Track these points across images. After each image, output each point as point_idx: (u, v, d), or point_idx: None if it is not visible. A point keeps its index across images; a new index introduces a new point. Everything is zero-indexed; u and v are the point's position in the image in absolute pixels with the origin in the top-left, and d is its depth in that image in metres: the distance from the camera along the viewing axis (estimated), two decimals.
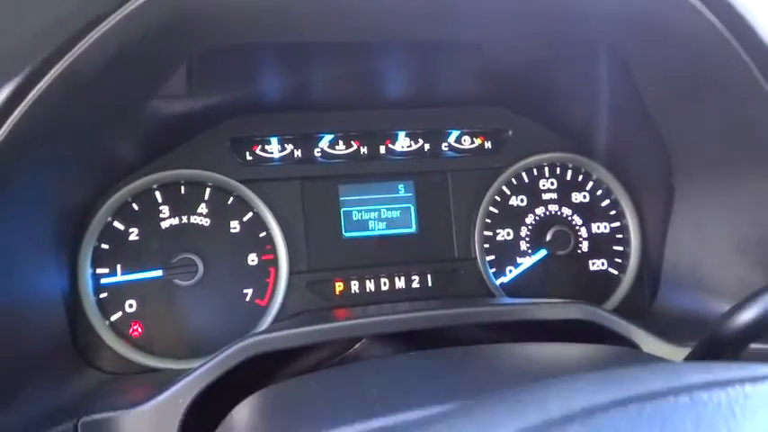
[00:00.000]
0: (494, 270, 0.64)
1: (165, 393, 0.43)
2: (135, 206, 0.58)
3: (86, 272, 0.56)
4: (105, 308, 0.57)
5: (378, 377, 0.39)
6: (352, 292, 0.61)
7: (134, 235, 0.58)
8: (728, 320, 0.41)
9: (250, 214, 0.60)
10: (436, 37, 0.50)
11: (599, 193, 0.66)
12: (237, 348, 0.44)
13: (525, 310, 0.48)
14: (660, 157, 0.59)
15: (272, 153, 0.61)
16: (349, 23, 0.45)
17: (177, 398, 0.42)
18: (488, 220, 0.64)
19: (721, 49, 0.45)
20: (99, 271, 0.57)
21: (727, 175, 0.53)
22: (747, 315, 0.41)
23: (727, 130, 0.50)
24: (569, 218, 0.66)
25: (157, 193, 0.58)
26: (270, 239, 0.60)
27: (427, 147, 0.64)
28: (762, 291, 0.41)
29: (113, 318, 0.57)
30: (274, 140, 0.61)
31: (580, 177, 0.66)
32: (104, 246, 0.57)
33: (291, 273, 0.60)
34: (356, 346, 0.52)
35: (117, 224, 0.57)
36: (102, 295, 0.57)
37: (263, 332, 0.45)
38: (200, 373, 0.43)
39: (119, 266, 0.57)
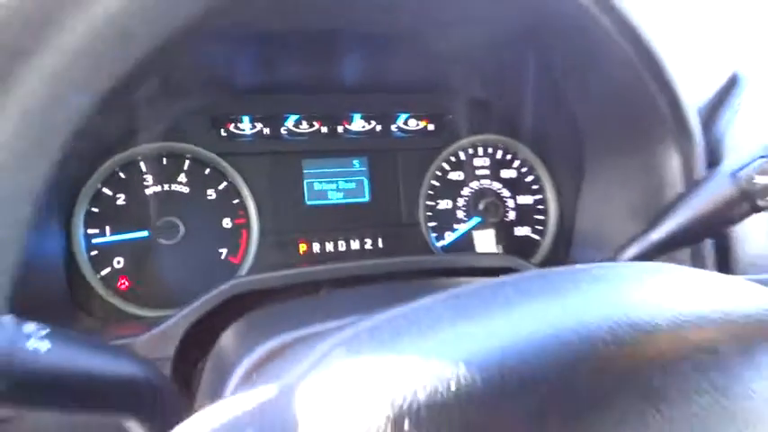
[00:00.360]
0: (435, 234, 0.74)
1: (160, 327, 0.51)
2: (122, 175, 0.65)
3: (79, 232, 0.63)
4: (96, 264, 0.64)
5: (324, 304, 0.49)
6: (314, 251, 0.70)
7: (121, 200, 0.65)
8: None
9: (225, 183, 0.68)
10: (384, 28, 0.59)
11: (524, 170, 0.77)
12: (221, 289, 0.53)
13: (463, 259, 0.59)
14: (574, 140, 0.70)
15: (244, 130, 0.70)
16: (311, 13, 0.54)
17: (170, 331, 0.51)
18: (431, 192, 0.74)
19: (620, 58, 0.56)
20: (90, 232, 0.64)
21: (624, 155, 0.65)
22: (625, 256, 0.53)
23: (625, 120, 0.62)
24: (499, 191, 0.77)
25: (141, 164, 0.66)
26: (243, 206, 0.68)
27: (379, 128, 0.74)
28: (635, 237, 0.53)
29: (103, 273, 0.64)
30: (246, 119, 0.69)
31: (508, 157, 0.77)
32: (95, 209, 0.64)
33: (261, 235, 0.68)
34: (318, 293, 0.61)
35: (106, 190, 0.65)
36: (93, 253, 0.64)
37: (240, 277, 0.54)
38: (188, 311, 0.51)
39: (108, 228, 0.64)
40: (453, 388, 0.24)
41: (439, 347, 0.27)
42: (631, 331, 0.28)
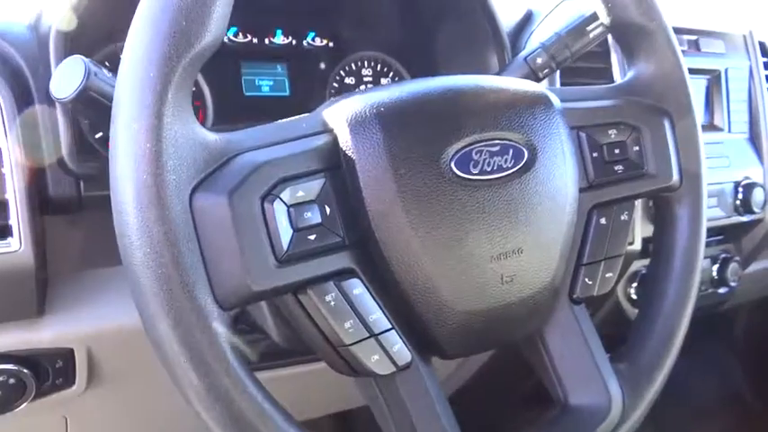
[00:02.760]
0: None
1: None
2: (107, 63, 0.85)
3: None
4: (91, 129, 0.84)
5: None
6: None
7: None
8: None
9: None
10: None
11: (396, 78, 1.08)
12: None
13: None
14: (431, 54, 1.02)
15: None
16: None
17: None
18: (332, 91, 1.03)
19: None
20: None
21: (463, 61, 0.98)
22: None
23: (463, 37, 0.95)
24: None
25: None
26: (201, 95, 0.91)
27: (294, 42, 1.00)
28: None
29: (97, 135, 0.84)
30: None
31: (386, 69, 1.08)
32: None
33: (214, 114, 0.92)
34: None
35: None
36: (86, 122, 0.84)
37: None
38: None
39: None
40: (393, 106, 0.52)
41: (381, 96, 0.54)
42: (469, 91, 0.56)
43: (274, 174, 0.46)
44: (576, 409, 0.59)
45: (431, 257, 0.50)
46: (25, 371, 0.64)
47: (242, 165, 0.45)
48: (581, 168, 0.61)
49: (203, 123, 0.91)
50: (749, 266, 1.24)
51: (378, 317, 0.49)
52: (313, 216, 0.47)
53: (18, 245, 0.59)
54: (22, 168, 0.60)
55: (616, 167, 0.63)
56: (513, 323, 0.56)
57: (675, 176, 0.64)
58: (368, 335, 0.48)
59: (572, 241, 0.59)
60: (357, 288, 0.49)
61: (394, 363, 0.50)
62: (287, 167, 0.47)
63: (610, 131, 0.62)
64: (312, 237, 0.47)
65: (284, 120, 0.52)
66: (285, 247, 0.45)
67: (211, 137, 0.45)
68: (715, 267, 1.15)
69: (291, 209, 0.46)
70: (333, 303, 0.47)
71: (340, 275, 0.48)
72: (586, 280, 0.61)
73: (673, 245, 0.66)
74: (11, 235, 0.60)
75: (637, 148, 0.63)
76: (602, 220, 0.62)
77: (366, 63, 1.05)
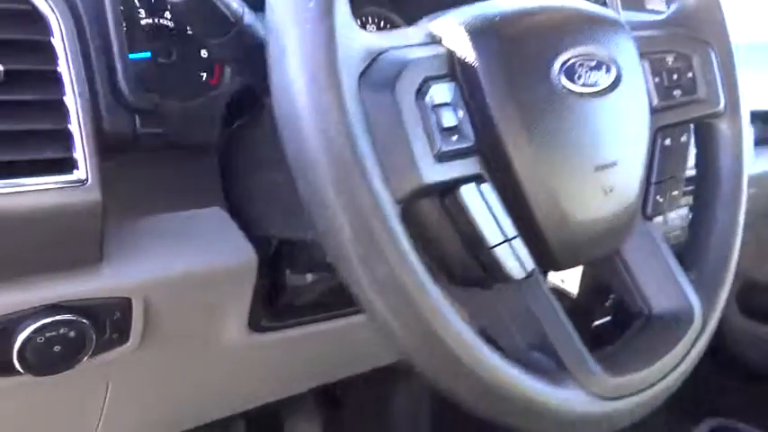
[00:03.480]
0: None
1: None
2: (121, 8, 0.79)
3: None
4: None
5: None
6: None
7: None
8: None
9: None
10: None
11: None
12: None
13: None
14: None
15: None
16: None
17: None
18: None
19: None
20: None
21: None
22: None
23: None
24: None
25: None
26: None
27: None
28: None
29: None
30: None
31: (389, 25, 1.07)
32: None
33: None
34: None
35: None
36: None
37: None
38: None
39: None
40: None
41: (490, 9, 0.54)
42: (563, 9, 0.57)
43: (421, 72, 0.46)
44: (661, 318, 0.61)
45: (547, 165, 0.51)
46: (85, 321, 0.59)
47: (392, 62, 0.44)
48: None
49: (222, 77, 0.87)
50: None
51: (509, 222, 0.49)
52: (452, 117, 0.47)
53: (85, 176, 0.54)
54: (84, 96, 0.55)
55: (674, 92, 0.66)
56: (609, 234, 0.58)
57: (722, 102, 0.69)
58: (504, 239, 0.49)
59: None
60: (491, 193, 0.49)
61: (524, 268, 0.50)
62: (427, 68, 0.46)
63: (667, 58, 0.66)
64: (454, 138, 0.47)
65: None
66: (438, 144, 0.45)
67: (364, 34, 0.44)
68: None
69: (436, 108, 0.46)
70: (478, 204, 0.47)
71: (476, 179, 0.48)
72: (657, 198, 0.64)
73: (719, 167, 0.70)
74: (76, 168, 0.55)
75: (690, 74, 0.67)
76: (667, 142, 0.65)
77: (370, 19, 1.05)
